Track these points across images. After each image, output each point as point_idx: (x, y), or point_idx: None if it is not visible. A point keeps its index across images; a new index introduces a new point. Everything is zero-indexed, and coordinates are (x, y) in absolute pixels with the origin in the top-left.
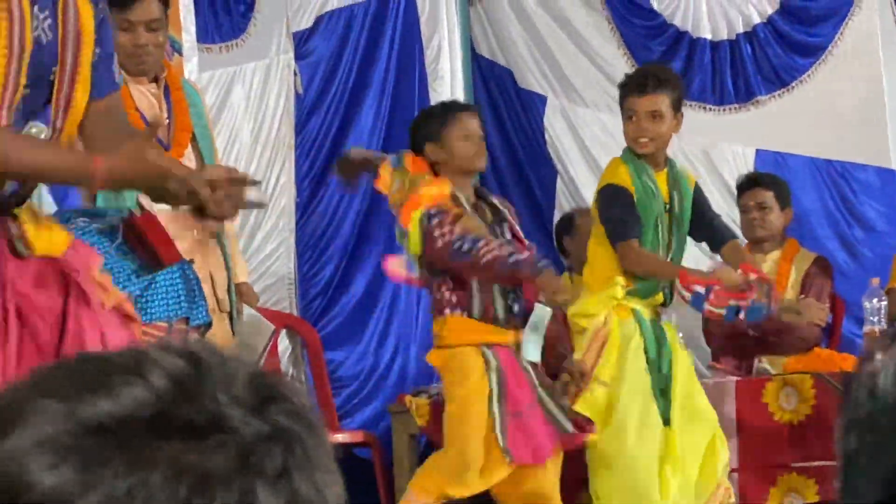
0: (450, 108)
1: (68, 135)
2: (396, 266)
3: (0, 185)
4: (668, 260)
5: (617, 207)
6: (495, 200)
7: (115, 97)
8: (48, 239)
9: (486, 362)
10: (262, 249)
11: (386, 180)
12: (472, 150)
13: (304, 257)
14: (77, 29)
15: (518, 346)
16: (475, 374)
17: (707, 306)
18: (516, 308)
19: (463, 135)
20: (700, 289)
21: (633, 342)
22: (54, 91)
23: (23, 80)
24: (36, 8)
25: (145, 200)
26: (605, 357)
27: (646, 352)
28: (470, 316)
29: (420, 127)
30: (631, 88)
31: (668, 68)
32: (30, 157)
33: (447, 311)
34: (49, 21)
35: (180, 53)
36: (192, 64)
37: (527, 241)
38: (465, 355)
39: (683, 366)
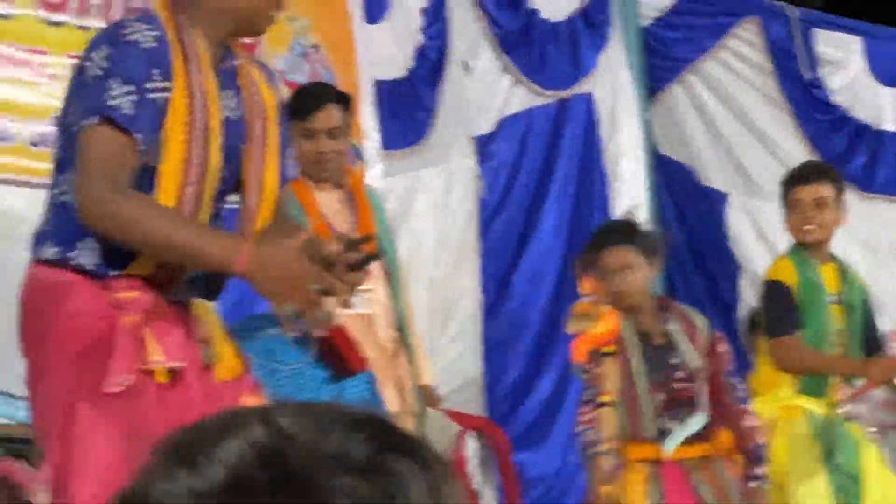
0: (601, 239)
1: (263, 218)
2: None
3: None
4: (841, 353)
5: (774, 303)
6: (671, 326)
7: (286, 190)
8: (229, 365)
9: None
10: (449, 352)
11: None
12: (620, 285)
13: (490, 359)
14: (262, 107)
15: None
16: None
17: None
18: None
19: (613, 269)
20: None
21: (803, 443)
22: (245, 168)
23: (213, 159)
24: (228, 96)
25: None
26: (772, 460)
27: (823, 452)
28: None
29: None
30: (794, 180)
31: (827, 163)
32: (180, 233)
33: None
34: (235, 100)
35: (363, 160)
36: (376, 170)
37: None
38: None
39: (872, 463)
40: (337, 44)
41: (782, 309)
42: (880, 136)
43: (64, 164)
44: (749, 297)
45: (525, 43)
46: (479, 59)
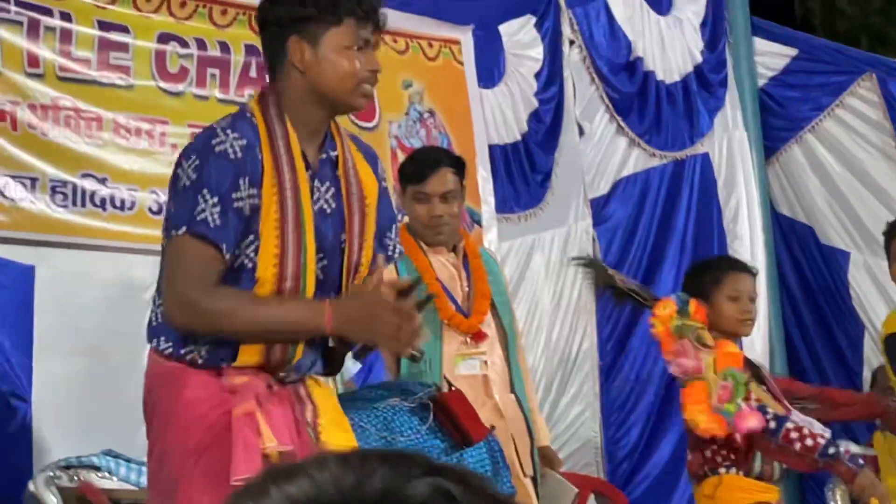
0: (725, 266)
1: None
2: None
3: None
4: None
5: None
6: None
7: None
8: (337, 442)
9: None
10: (567, 414)
11: (664, 319)
12: (738, 312)
13: (609, 421)
14: (362, 196)
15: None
16: None
17: None
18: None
19: (730, 296)
20: None
21: None
22: (345, 261)
23: (309, 252)
24: (317, 181)
25: (448, 371)
26: None
27: None
28: (748, 475)
29: (693, 276)
30: (893, 231)
31: None
32: (263, 312)
33: (722, 469)
34: (332, 191)
35: (480, 224)
36: (492, 234)
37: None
38: None
39: None
40: (452, 109)
41: None
42: None
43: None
44: (873, 357)
45: (640, 105)
46: (594, 122)
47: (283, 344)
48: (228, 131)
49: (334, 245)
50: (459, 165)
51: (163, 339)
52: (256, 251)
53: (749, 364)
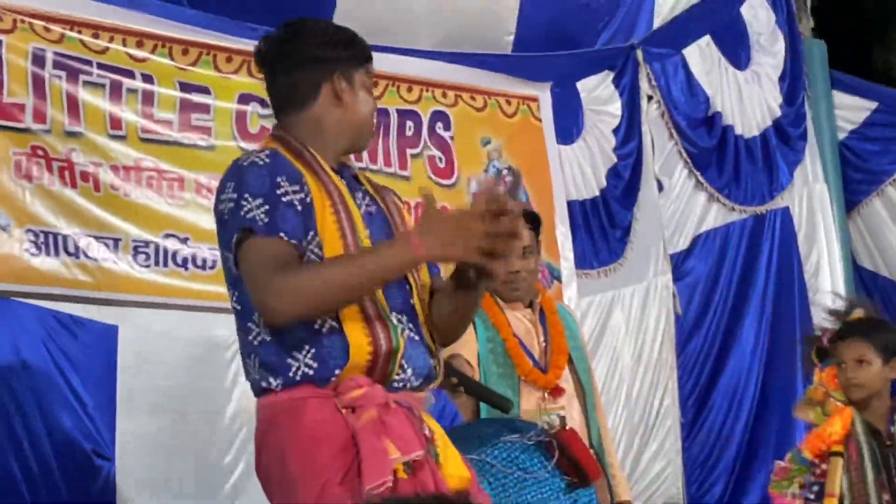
0: (841, 331)
1: (424, 291)
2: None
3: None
4: None
5: None
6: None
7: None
8: (457, 472)
9: None
10: (649, 471)
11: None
12: (853, 378)
13: (691, 477)
14: (391, 200)
15: None
16: None
17: None
18: None
19: (847, 361)
20: None
21: None
22: None
23: (365, 241)
24: (359, 195)
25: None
26: None
27: None
28: None
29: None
30: None
31: None
32: (353, 264)
33: None
34: (367, 198)
35: (559, 280)
36: (572, 289)
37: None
38: None
39: None
40: (531, 165)
41: None
42: None
43: (242, 313)
44: None
45: (719, 159)
46: (673, 177)
47: (384, 354)
48: (251, 156)
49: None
50: (535, 221)
51: (270, 378)
52: (320, 247)
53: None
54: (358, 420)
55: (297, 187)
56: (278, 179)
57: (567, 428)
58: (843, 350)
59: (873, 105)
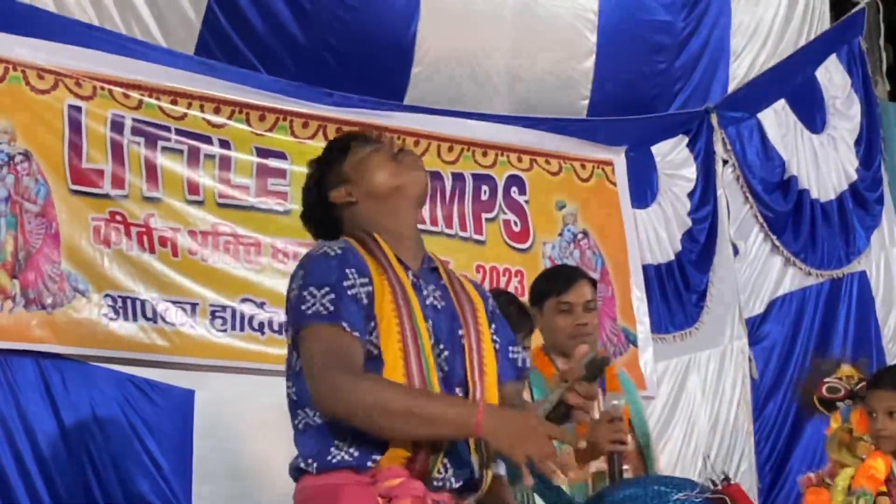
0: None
1: (488, 398)
2: None
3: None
4: None
5: None
6: None
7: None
8: None
9: None
10: None
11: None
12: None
13: None
14: (470, 299)
15: None
16: None
17: None
18: None
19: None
20: None
21: None
22: (466, 353)
23: (426, 340)
24: (422, 281)
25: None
26: None
27: None
28: None
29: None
30: None
31: None
32: (415, 402)
33: None
34: (438, 293)
35: (635, 344)
36: (648, 354)
37: None
38: None
39: None
40: (606, 229)
41: None
42: None
43: (296, 402)
44: None
45: (795, 223)
46: (748, 241)
47: (426, 449)
48: (323, 246)
49: (452, 339)
50: (594, 282)
51: (309, 459)
52: (377, 336)
53: None
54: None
55: (365, 280)
56: (347, 271)
57: (733, 483)
58: (875, 400)
59: None
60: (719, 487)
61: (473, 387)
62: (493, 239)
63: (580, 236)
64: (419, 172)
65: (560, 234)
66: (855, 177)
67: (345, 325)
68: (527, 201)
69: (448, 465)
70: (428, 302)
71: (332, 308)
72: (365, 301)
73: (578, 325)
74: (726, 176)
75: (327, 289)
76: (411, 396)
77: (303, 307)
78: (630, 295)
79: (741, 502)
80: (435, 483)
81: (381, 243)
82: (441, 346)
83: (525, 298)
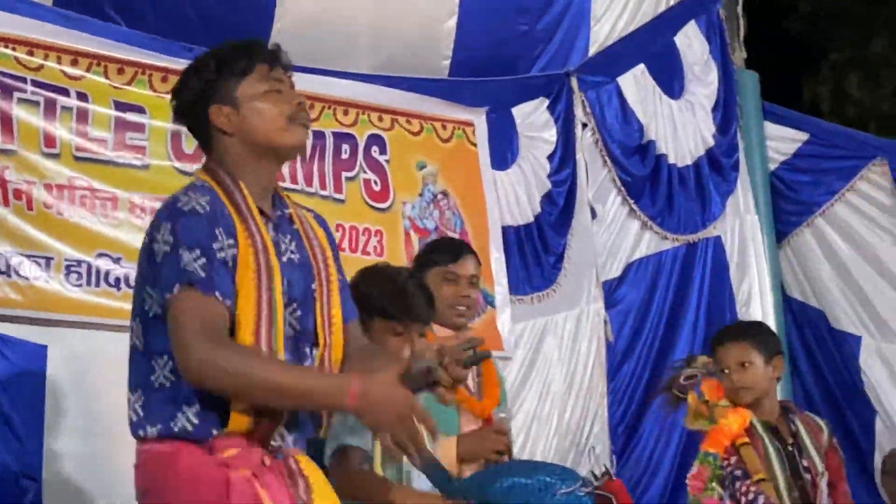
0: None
1: (336, 351)
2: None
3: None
4: None
5: None
6: (799, 428)
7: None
8: None
9: None
10: None
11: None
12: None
13: None
14: (322, 248)
15: None
16: None
17: None
18: None
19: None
20: None
21: None
22: (318, 311)
23: (278, 300)
24: (279, 233)
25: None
26: None
27: None
28: None
29: None
30: None
31: None
32: (284, 377)
33: None
34: (294, 243)
35: (493, 306)
36: (505, 315)
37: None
38: None
39: None
40: (466, 190)
41: None
42: None
43: (144, 353)
44: (885, 442)
45: (652, 188)
46: (606, 204)
47: (266, 419)
48: (190, 193)
49: (306, 296)
50: (479, 260)
51: (148, 426)
52: (236, 302)
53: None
54: (232, 475)
55: (231, 241)
56: (216, 231)
57: (615, 480)
58: (725, 355)
59: (804, 136)
60: (602, 482)
61: (324, 345)
62: (353, 198)
63: (440, 197)
64: (303, 139)
65: (420, 195)
66: (712, 143)
67: (217, 294)
68: (387, 161)
69: (286, 432)
70: (285, 259)
71: (202, 274)
72: (230, 264)
73: (461, 297)
74: (586, 139)
75: (198, 251)
76: (283, 370)
77: (181, 264)
78: (489, 256)
79: (623, 499)
80: (272, 448)
81: (245, 194)
82: (294, 306)
83: (402, 263)
